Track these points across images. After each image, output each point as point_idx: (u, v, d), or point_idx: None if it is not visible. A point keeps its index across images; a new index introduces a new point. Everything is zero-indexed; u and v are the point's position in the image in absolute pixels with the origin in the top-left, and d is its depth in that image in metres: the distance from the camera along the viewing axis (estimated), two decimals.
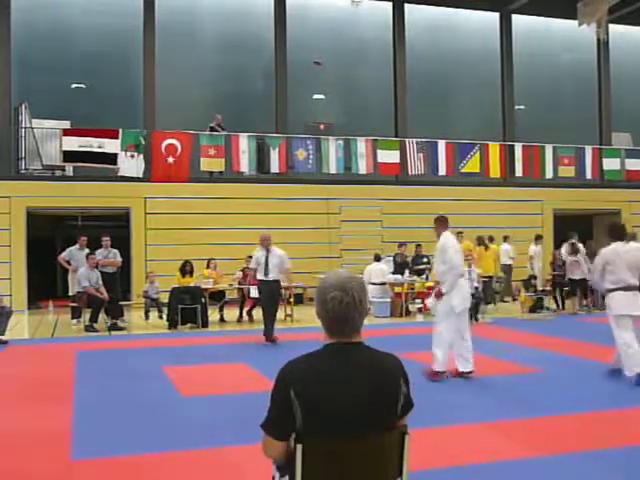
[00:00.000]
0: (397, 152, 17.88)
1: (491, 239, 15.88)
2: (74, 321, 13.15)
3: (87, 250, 13.34)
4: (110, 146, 15.61)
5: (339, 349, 2.50)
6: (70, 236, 16.45)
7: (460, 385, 7.28)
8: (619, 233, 7.69)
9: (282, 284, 11.48)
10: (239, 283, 13.61)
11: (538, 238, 16.09)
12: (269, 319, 10.72)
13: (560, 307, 15.11)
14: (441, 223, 7.86)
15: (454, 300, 7.49)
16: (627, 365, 7.21)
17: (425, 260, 15.81)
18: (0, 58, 17.03)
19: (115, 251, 13.46)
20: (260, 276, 10.73)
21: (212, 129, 17.00)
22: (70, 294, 13.55)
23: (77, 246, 13.65)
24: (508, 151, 18.98)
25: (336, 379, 2.43)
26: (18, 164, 16.49)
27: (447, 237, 7.68)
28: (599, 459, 4.70)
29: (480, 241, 15.19)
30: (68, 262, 13.50)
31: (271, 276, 10.66)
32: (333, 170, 17.35)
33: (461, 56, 20.85)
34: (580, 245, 14.64)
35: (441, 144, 18.15)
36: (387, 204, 18.15)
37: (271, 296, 10.80)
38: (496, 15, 21.28)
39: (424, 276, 15.11)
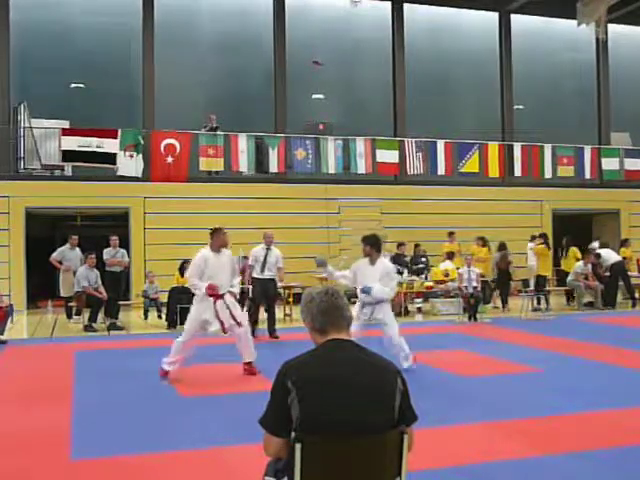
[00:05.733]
0: (396, 152, 17.85)
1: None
2: (75, 317, 13.16)
3: (78, 249, 13.30)
4: (109, 146, 15.58)
5: (335, 344, 2.56)
6: (69, 236, 16.41)
7: (459, 384, 7.28)
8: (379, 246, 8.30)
9: (279, 283, 11.82)
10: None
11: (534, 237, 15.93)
12: (270, 317, 11.11)
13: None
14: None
15: None
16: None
17: (424, 260, 15.82)
18: None
19: (123, 251, 13.46)
20: (256, 274, 11.02)
21: (213, 129, 16.94)
22: (62, 295, 13.55)
23: (68, 246, 13.64)
24: (507, 151, 18.96)
25: (334, 369, 2.48)
26: (17, 164, 16.48)
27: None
28: (599, 459, 4.70)
29: (484, 241, 15.27)
30: (60, 262, 13.48)
31: (267, 274, 10.96)
32: (332, 170, 17.33)
33: (460, 56, 20.83)
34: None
35: (440, 144, 18.13)
36: (386, 204, 18.13)
37: (265, 294, 11.08)
38: (495, 15, 21.27)
39: (423, 276, 15.11)
